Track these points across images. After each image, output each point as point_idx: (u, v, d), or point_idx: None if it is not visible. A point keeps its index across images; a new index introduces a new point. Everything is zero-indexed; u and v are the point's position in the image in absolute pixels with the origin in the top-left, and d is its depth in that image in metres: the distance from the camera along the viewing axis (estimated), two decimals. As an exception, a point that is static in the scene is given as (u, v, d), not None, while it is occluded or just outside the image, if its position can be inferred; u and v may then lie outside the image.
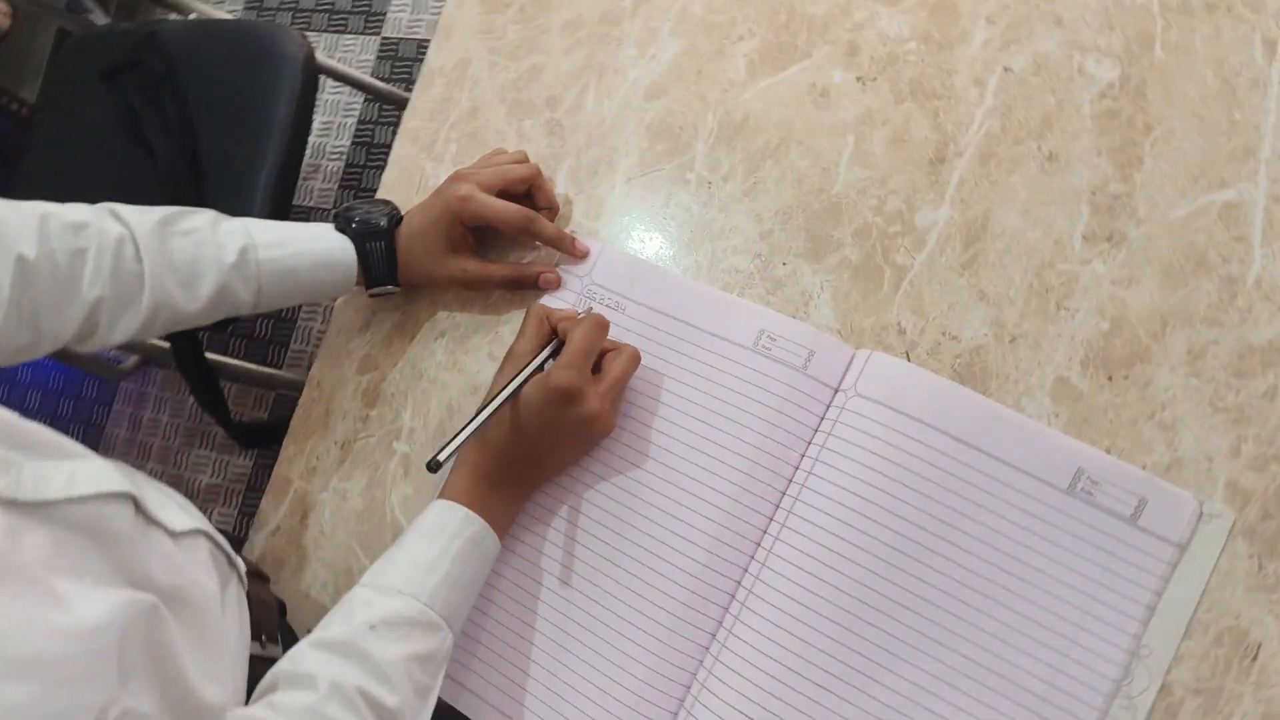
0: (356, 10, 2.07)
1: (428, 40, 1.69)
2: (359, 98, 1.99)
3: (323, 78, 1.37)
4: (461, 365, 0.79)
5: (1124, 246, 0.66)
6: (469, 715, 0.70)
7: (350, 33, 2.06)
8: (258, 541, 0.81)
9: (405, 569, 0.64)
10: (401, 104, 1.31)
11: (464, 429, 0.65)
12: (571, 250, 0.77)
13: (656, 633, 0.66)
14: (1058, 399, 0.64)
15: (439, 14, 1.08)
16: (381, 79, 1.87)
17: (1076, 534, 0.60)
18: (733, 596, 0.66)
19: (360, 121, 1.99)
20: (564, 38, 0.84)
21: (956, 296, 0.68)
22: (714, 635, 0.66)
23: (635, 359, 0.70)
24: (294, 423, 0.83)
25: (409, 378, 0.80)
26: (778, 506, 0.67)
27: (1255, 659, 0.57)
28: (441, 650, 0.63)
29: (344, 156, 1.96)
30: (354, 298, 0.84)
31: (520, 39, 0.85)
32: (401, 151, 0.87)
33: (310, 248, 0.75)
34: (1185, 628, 0.58)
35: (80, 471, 0.52)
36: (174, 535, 0.61)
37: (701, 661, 0.66)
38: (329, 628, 0.61)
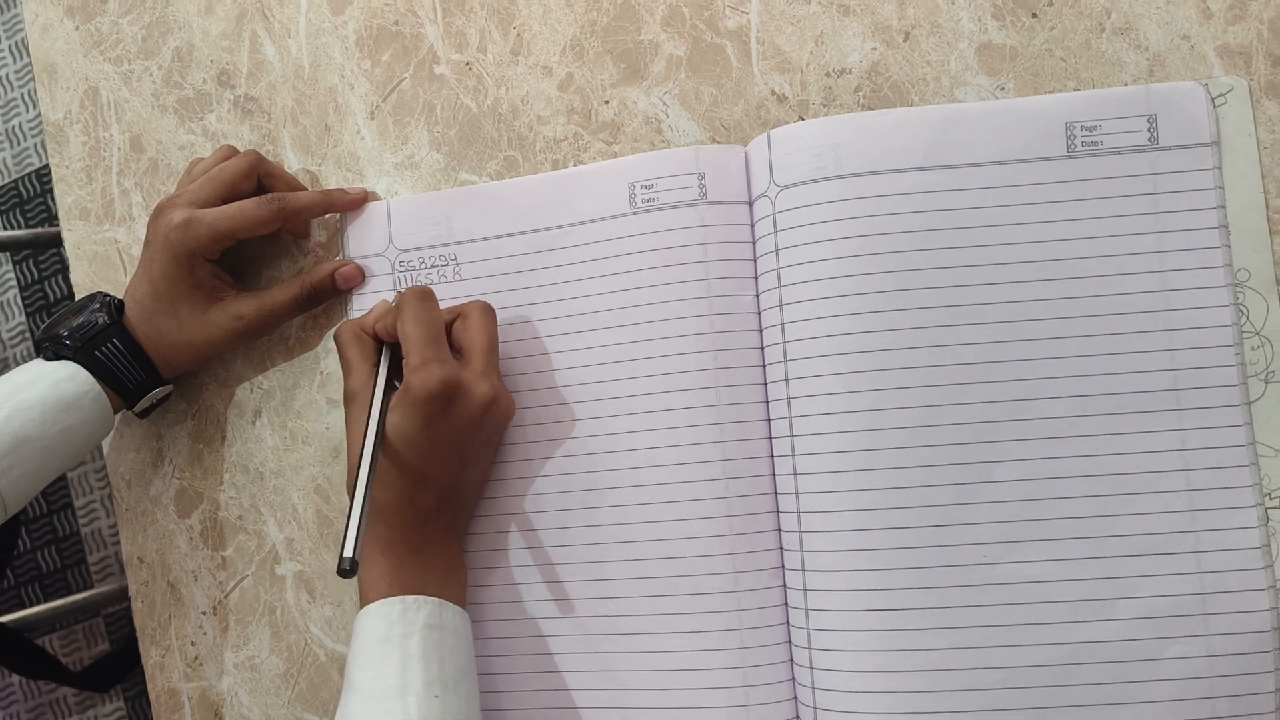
0: None
1: (48, 167, 1.43)
2: (5, 263, 1.69)
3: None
4: (303, 435, 0.61)
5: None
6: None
7: None
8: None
9: (376, 706, 0.47)
10: (58, 240, 1.09)
11: (355, 510, 0.48)
12: (345, 203, 0.60)
13: (719, 585, 0.53)
14: (993, 69, 0.53)
15: (40, 136, 0.86)
16: (20, 229, 1.59)
17: (1106, 194, 0.50)
18: (777, 500, 0.53)
19: (23, 288, 1.69)
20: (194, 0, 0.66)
21: (818, 26, 0.56)
22: (784, 566, 0.53)
23: (489, 314, 0.55)
24: (139, 624, 0.63)
25: (248, 487, 0.62)
26: (764, 365, 0.53)
27: (1357, 213, 0.49)
28: None
29: (24, 334, 1.67)
30: (123, 434, 0.65)
31: (143, 28, 0.66)
32: (76, 236, 0.66)
33: (28, 398, 0.55)
34: (1268, 226, 0.49)
35: None
36: None
37: (787, 587, 0.52)
38: None
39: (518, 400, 0.57)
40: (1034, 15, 0.53)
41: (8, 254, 1.69)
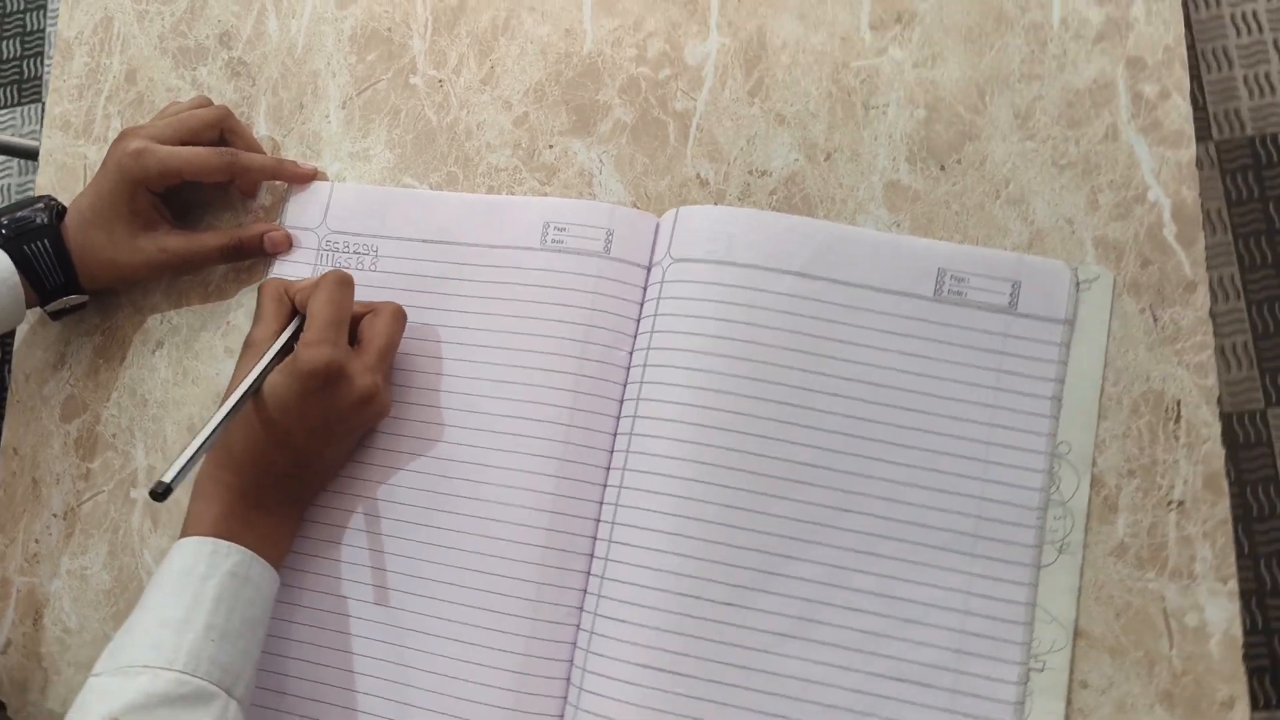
0: (3, 80, 1.83)
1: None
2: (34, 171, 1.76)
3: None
4: (194, 374, 0.65)
5: (916, 25, 0.60)
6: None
7: (3, 107, 1.82)
8: (-20, 669, 0.65)
9: (151, 635, 0.51)
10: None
11: (195, 442, 0.52)
12: (294, 171, 0.65)
13: (518, 609, 0.56)
14: (894, 205, 0.58)
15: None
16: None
17: (957, 342, 0.54)
18: (594, 536, 0.56)
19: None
20: (222, -38, 0.72)
21: (753, 128, 0.61)
22: (581, 605, 0.56)
23: (399, 317, 0.59)
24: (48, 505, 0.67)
25: (130, 409, 0.66)
26: (618, 417, 0.57)
27: (1179, 419, 0.53)
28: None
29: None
30: (37, 331, 0.69)
31: (169, -23, 0.73)
32: (52, 144, 0.72)
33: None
34: (1098, 409, 0.53)
35: None
36: None
37: (579, 627, 0.56)
38: None
39: (399, 396, 0.61)
40: (942, 168, 0.58)
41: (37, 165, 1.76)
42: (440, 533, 0.58)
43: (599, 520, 0.56)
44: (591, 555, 0.56)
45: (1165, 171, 0.56)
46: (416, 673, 0.57)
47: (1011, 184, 0.57)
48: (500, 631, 0.56)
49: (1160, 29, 0.57)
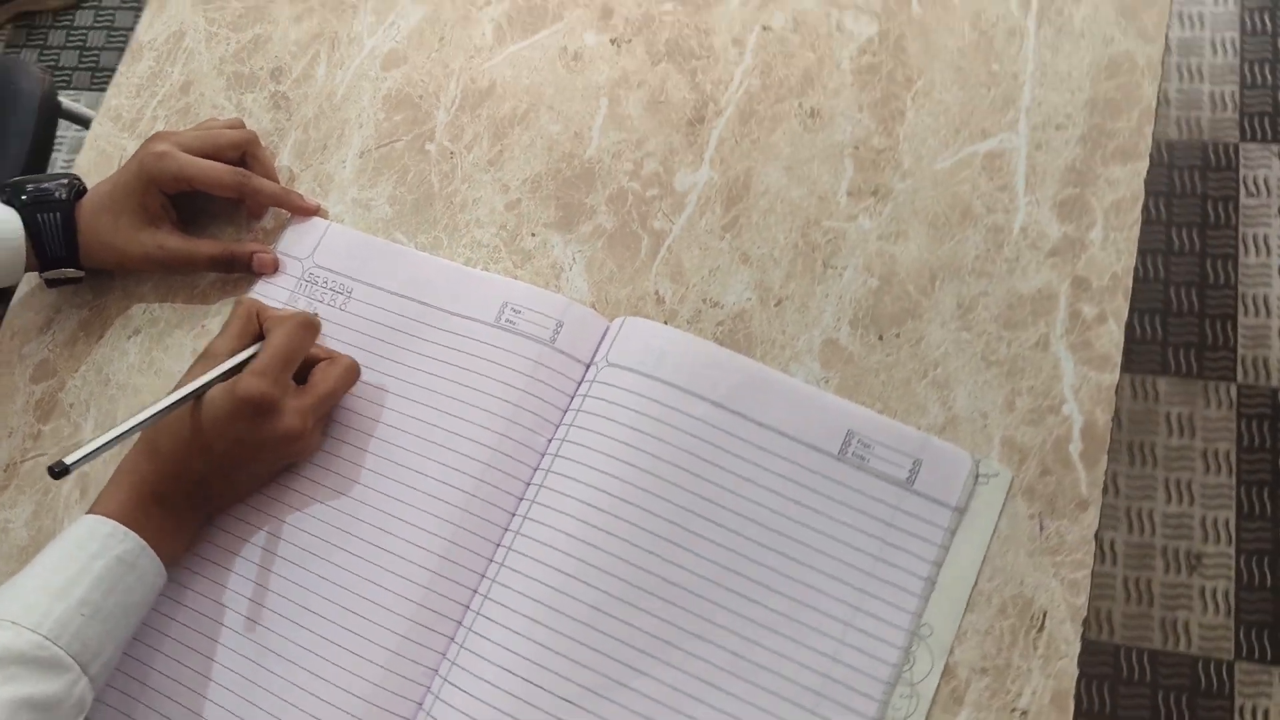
0: (84, 66, 1.95)
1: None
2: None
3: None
4: (159, 366, 0.69)
5: (889, 200, 0.64)
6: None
7: (78, 88, 1.94)
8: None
9: (28, 595, 0.53)
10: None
11: (110, 433, 0.55)
12: (298, 204, 0.70)
13: (379, 657, 0.58)
14: (827, 362, 0.61)
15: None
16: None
17: (849, 503, 0.56)
18: (467, 605, 0.58)
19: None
20: (293, 6, 0.78)
21: (718, 260, 0.64)
22: (445, 653, 0.58)
23: (351, 373, 0.63)
24: (-48, 445, 0.71)
25: (93, 384, 0.70)
26: (520, 499, 0.60)
27: (1042, 629, 0.54)
28: (70, 697, 0.53)
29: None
30: (35, 296, 0.74)
31: (244, 8, 0.79)
32: (100, 130, 0.78)
33: (-39, 217, 0.65)
34: (967, 600, 0.54)
35: None
36: None
37: (434, 676, 0.57)
38: None
39: (332, 432, 0.64)
40: (880, 338, 0.61)
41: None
42: (331, 568, 0.60)
43: (475, 591, 0.58)
44: (460, 623, 0.58)
45: (1085, 390, 0.57)
46: (271, 685, 0.59)
47: (940, 368, 0.59)
48: (354, 674, 0.58)
49: (1112, 256, 0.60)
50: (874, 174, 0.65)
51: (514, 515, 0.60)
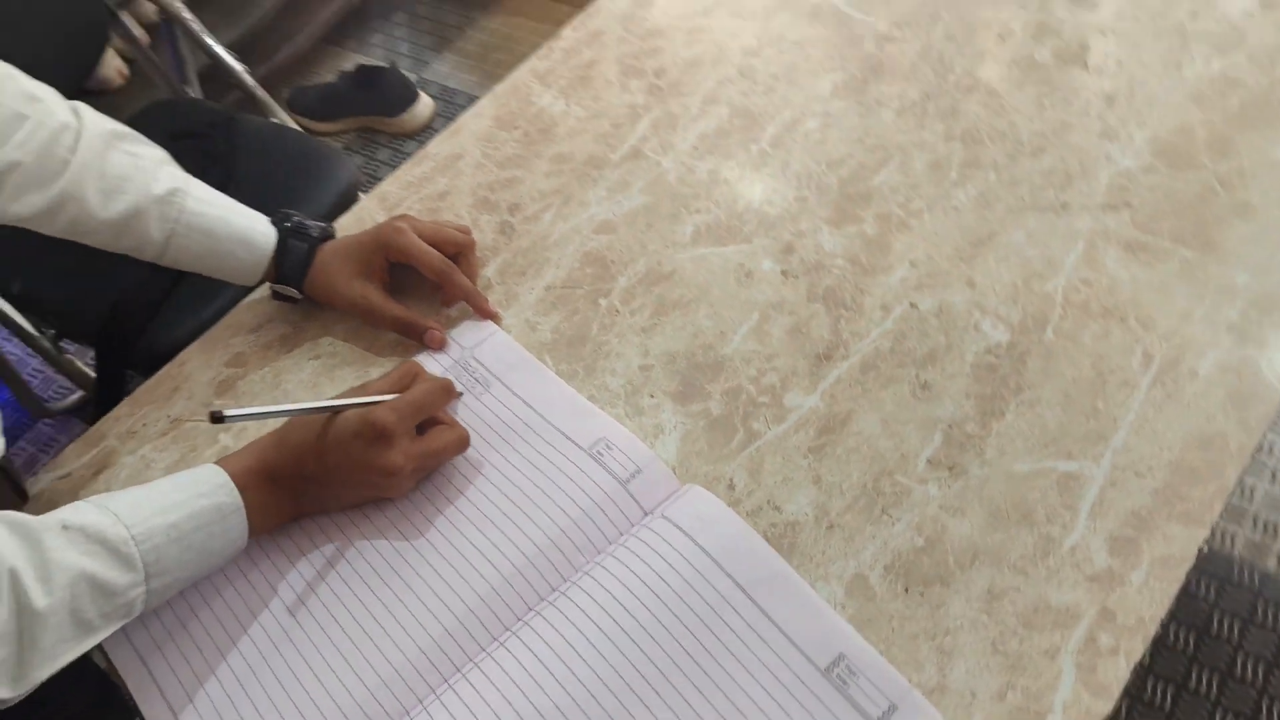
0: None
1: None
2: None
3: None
4: (321, 389, 0.82)
5: (962, 479, 0.69)
6: (138, 701, 0.67)
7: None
8: (43, 479, 0.81)
9: (135, 500, 0.64)
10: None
11: (272, 407, 0.68)
12: (482, 306, 0.83)
13: (370, 679, 0.65)
14: (851, 592, 0.65)
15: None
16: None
17: (817, 718, 0.60)
18: (457, 668, 0.65)
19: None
20: (550, 165, 0.95)
21: (793, 473, 0.71)
22: (422, 699, 0.64)
23: (461, 443, 0.73)
24: (139, 390, 0.86)
25: (267, 384, 0.83)
26: (541, 598, 0.67)
27: None
28: (125, 594, 0.62)
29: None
30: (259, 303, 0.89)
31: (513, 154, 0.96)
32: (367, 204, 0.95)
33: (237, 219, 0.82)
34: None
35: None
36: None
37: (414, 707, 0.63)
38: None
39: (419, 489, 0.73)
40: (906, 590, 0.65)
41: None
42: (367, 592, 0.69)
43: (468, 658, 0.65)
44: (445, 679, 0.64)
45: (1075, 709, 0.59)
46: (279, 670, 0.66)
47: (950, 637, 0.63)
48: (344, 686, 0.64)
49: (1146, 601, 0.63)
50: (957, 453, 0.71)
51: (529, 609, 0.66)
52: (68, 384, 1.96)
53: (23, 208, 0.75)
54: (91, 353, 1.44)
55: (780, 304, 0.81)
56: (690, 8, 1.06)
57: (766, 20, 1.03)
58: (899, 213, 0.85)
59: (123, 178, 0.77)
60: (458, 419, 0.77)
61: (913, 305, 0.79)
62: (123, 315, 1.36)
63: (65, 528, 0.61)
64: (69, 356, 1.59)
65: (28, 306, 1.46)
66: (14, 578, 0.58)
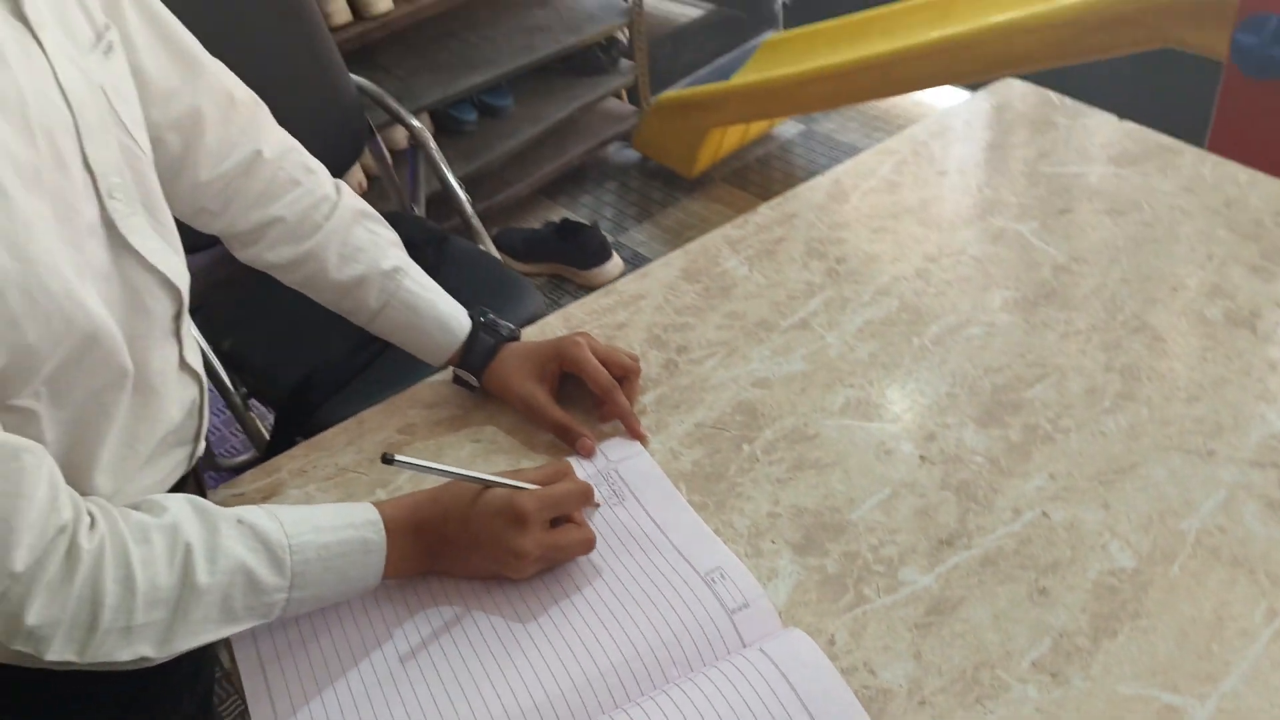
0: None
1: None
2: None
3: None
4: (474, 469, 0.89)
5: (1064, 688, 0.70)
6: (249, 701, 0.73)
7: None
8: (220, 493, 0.91)
9: (299, 515, 0.72)
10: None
11: (435, 464, 0.75)
12: (634, 427, 0.90)
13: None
14: (929, 768, 0.66)
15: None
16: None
17: None
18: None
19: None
20: (722, 319, 1.02)
21: (895, 643, 0.73)
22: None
23: (587, 544, 0.79)
24: (318, 436, 0.95)
25: (429, 455, 0.91)
26: (618, 705, 0.70)
27: None
28: (271, 595, 0.69)
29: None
30: (439, 385, 0.99)
31: (690, 304, 1.05)
32: (550, 320, 1.05)
33: (441, 305, 0.92)
34: None
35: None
36: (183, 364, 0.74)
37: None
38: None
39: (538, 578, 0.79)
40: (985, 778, 0.65)
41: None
42: (469, 655, 0.73)
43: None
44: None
45: None
46: (378, 696, 0.71)
47: (1021, 835, 0.62)
48: (433, 733, 0.69)
49: None
50: (1063, 661, 0.71)
51: (616, 705, 0.69)
52: (239, 445, 2.12)
53: (275, 256, 0.88)
54: (273, 418, 1.58)
55: (913, 485, 0.84)
56: (881, 209, 1.14)
57: (951, 233, 1.10)
58: (1046, 426, 0.88)
59: (360, 249, 0.89)
60: (590, 522, 0.82)
61: (1044, 514, 0.81)
62: (312, 386, 1.50)
63: (239, 521, 0.69)
64: (253, 415, 1.74)
65: (231, 363, 1.62)
66: (188, 551, 0.66)
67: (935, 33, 2.15)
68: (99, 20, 0.69)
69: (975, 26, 2.07)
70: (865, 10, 2.43)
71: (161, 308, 0.72)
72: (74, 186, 0.63)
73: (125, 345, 0.67)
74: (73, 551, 0.62)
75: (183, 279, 0.74)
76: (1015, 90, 1.31)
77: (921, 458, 0.87)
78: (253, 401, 1.78)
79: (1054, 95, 1.28)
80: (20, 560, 0.59)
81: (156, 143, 0.77)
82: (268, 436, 1.59)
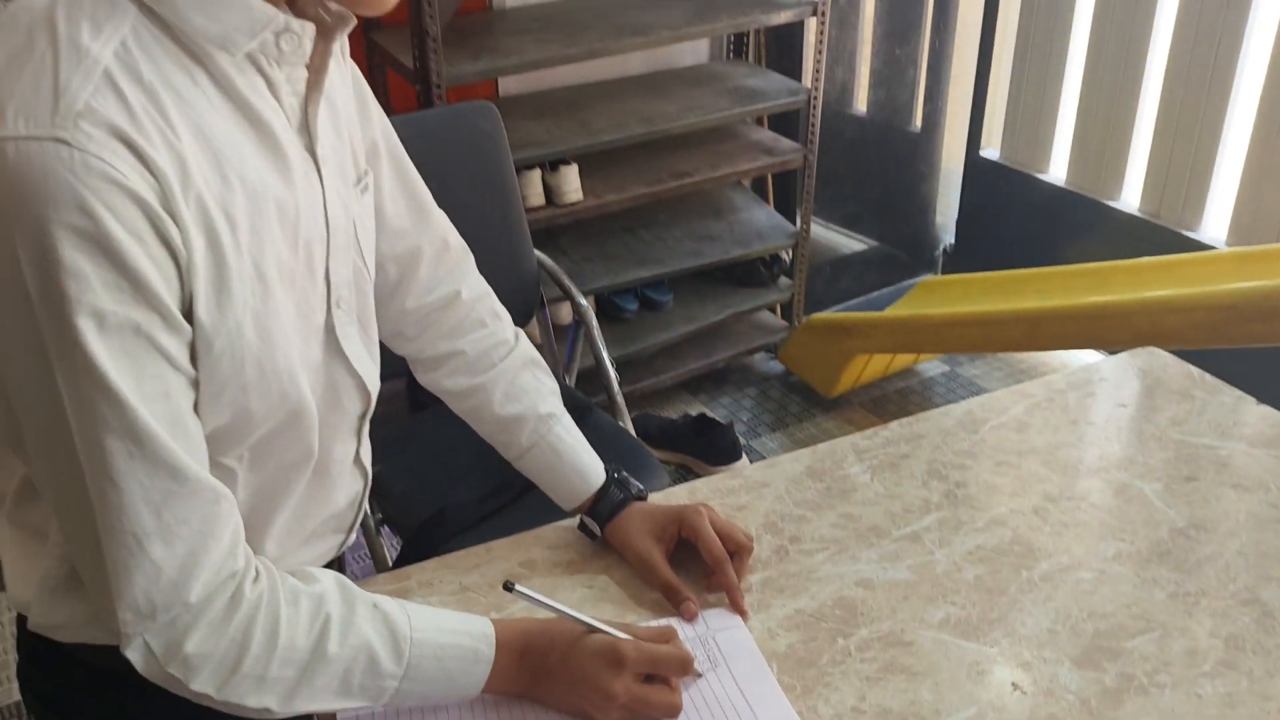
0: None
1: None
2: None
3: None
4: (589, 614, 0.96)
5: None
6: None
7: None
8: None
9: (427, 614, 0.80)
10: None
11: (556, 603, 0.83)
12: (738, 601, 0.95)
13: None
14: None
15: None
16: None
17: None
18: None
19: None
20: (836, 518, 1.08)
21: None
22: None
23: (673, 708, 0.84)
24: (450, 555, 1.04)
25: (543, 591, 0.97)
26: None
27: None
28: (384, 680, 0.76)
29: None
30: (565, 530, 1.07)
31: (810, 499, 1.11)
32: (675, 490, 1.13)
33: (583, 455, 1.02)
34: None
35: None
36: (357, 460, 0.85)
37: None
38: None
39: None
40: None
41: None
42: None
43: None
44: None
45: None
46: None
47: None
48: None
49: None
50: None
51: None
52: (359, 570, 2.22)
53: (451, 383, 1.00)
54: (400, 547, 1.68)
55: (1001, 709, 0.86)
56: (1008, 445, 1.19)
57: (1074, 479, 1.14)
58: (1143, 678, 0.89)
59: (524, 391, 1.00)
60: (681, 684, 0.87)
61: (1128, 764, 0.81)
62: (442, 522, 1.60)
63: (375, 606, 0.77)
64: (381, 541, 1.84)
65: (373, 487, 1.74)
66: (326, 621, 0.74)
67: (1089, 298, 2.22)
68: (361, 165, 0.84)
69: (1129, 298, 2.13)
70: (1022, 269, 2.52)
71: (353, 406, 0.84)
72: (315, 292, 0.76)
73: (318, 430, 0.78)
74: (236, 596, 0.71)
75: (375, 385, 0.85)
76: (1157, 358, 1.36)
77: (1014, 685, 0.88)
78: (384, 528, 1.89)
79: (1195, 370, 1.32)
80: (196, 592, 0.68)
81: (379, 269, 0.91)
82: (390, 564, 1.69)
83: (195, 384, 0.67)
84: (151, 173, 0.60)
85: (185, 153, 0.63)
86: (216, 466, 0.72)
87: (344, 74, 0.82)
